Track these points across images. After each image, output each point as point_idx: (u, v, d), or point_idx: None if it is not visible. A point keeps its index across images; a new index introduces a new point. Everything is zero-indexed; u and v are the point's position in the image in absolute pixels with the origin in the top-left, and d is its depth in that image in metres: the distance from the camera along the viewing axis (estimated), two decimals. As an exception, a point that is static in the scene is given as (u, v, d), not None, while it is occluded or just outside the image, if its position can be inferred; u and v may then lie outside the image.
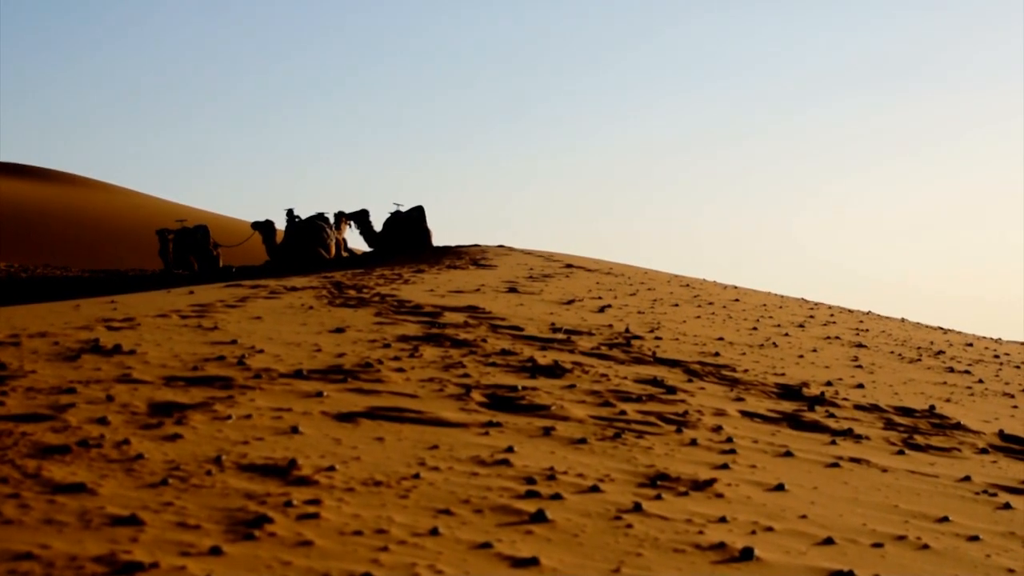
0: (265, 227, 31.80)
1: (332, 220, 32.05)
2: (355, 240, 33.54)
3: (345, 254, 32.04)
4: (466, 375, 7.85)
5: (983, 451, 7.46)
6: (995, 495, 6.07)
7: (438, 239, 32.04)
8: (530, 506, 4.56)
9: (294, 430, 5.55)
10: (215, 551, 3.63)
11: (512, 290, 15.78)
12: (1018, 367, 14.27)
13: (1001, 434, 8.16)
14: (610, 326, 12.01)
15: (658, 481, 5.30)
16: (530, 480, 5.02)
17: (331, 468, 4.83)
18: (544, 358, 8.94)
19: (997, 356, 15.46)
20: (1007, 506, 5.81)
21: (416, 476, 4.87)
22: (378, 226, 32.17)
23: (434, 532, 4.06)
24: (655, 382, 8.36)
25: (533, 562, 3.87)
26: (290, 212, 31.45)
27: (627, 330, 11.73)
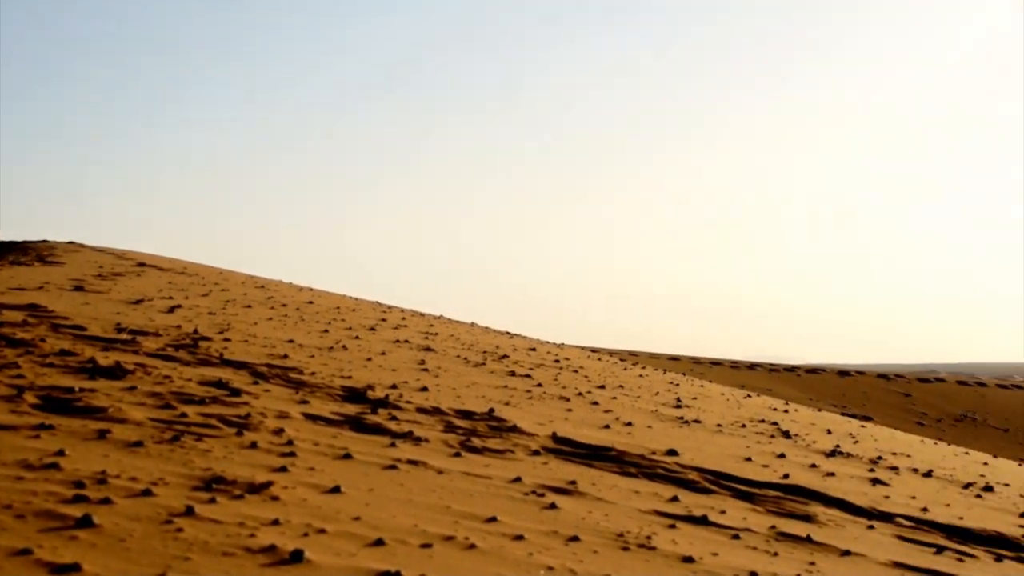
0: None
1: None
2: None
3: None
4: (20, 376, 7.52)
5: (536, 453, 7.79)
6: (543, 495, 6.35)
7: (3, 234, 30.46)
8: (76, 511, 4.42)
9: None
10: None
11: (78, 288, 15.19)
12: (576, 371, 15.01)
13: (554, 436, 8.55)
14: (179, 327, 11.77)
15: (213, 484, 5.24)
16: (79, 484, 4.87)
17: None
18: (106, 359, 8.67)
19: (557, 360, 16.20)
20: (553, 506, 6.09)
21: (-46, 482, 4.63)
22: (-65, 216, 30.29)
23: (-32, 540, 3.87)
24: (220, 384, 8.26)
25: (75, 568, 3.75)
26: None
27: (196, 331, 11.53)
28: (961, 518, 8.23)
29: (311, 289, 23.11)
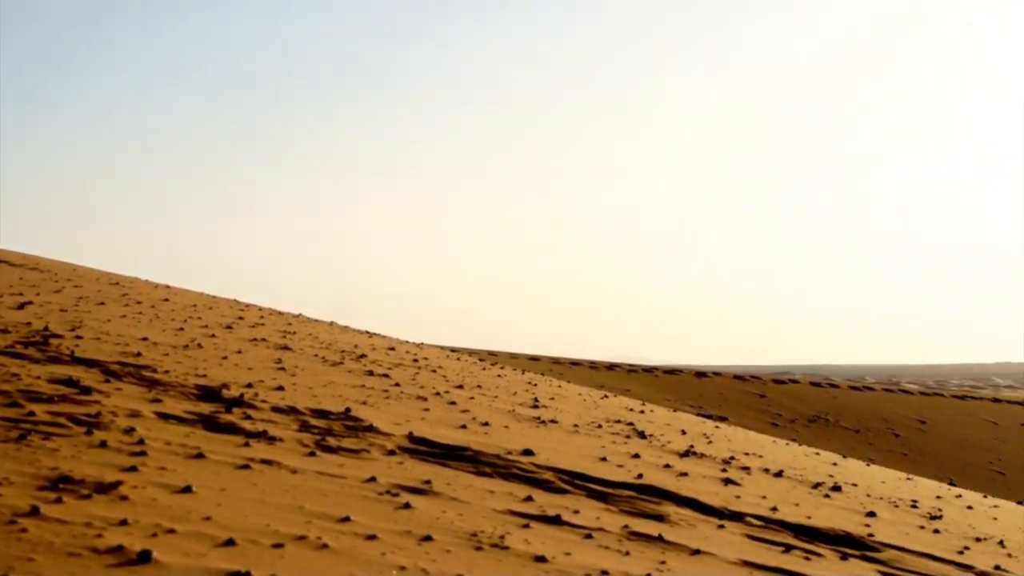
0: None
1: None
2: None
3: None
4: None
5: (391, 452, 7.78)
6: (397, 495, 6.35)
7: None
8: (-85, 512, 4.31)
9: None
10: None
11: (-77, 282, 14.77)
12: (434, 371, 15.01)
13: (410, 436, 8.54)
14: (28, 324, 11.51)
15: (60, 484, 5.15)
16: (-81, 484, 4.75)
17: None
18: (-49, 355, 8.45)
19: (416, 360, 16.18)
20: (407, 506, 6.10)
21: None
22: None
23: None
24: (70, 382, 8.10)
25: (-89, 571, 3.66)
26: None
27: (46, 328, 11.28)
28: (809, 517, 8.43)
29: (167, 287, 22.75)
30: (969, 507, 12.29)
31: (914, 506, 10.78)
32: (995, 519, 11.71)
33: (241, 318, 17.68)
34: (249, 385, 9.70)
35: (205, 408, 8.12)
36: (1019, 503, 15.58)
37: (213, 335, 13.91)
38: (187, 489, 5.48)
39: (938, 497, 12.64)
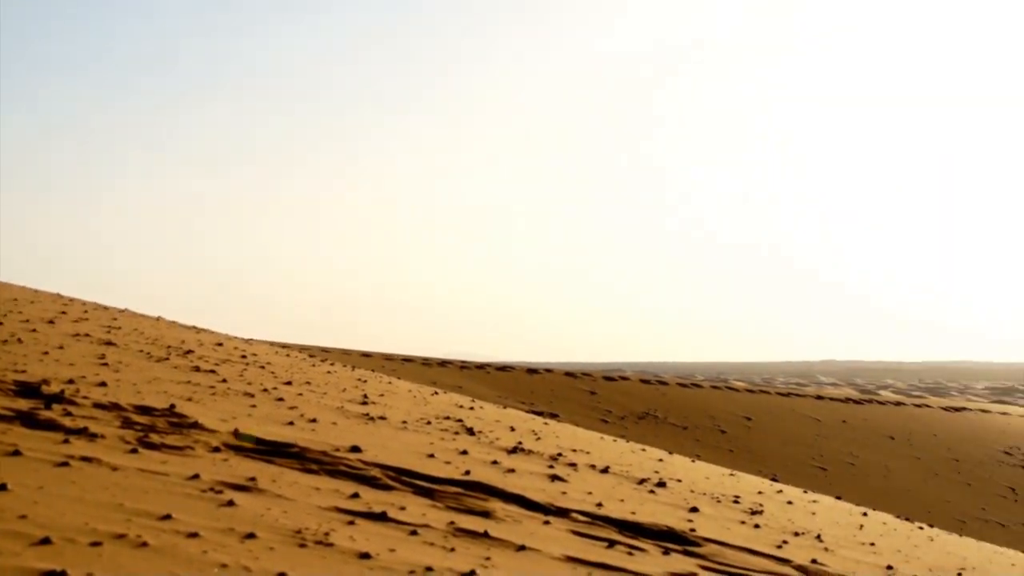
0: None
1: None
2: None
3: None
4: None
5: (216, 449, 7.69)
6: (221, 492, 6.27)
7: None
8: None
9: None
10: None
11: None
12: (263, 367, 14.86)
13: (236, 433, 8.45)
14: None
15: None
16: None
17: None
18: None
19: (245, 356, 16.00)
20: (231, 503, 6.03)
21: None
22: None
23: None
24: None
25: None
26: None
27: None
28: (634, 513, 8.57)
29: (-13, 280, 22.11)
30: (789, 502, 12.62)
31: (736, 502, 11.03)
32: (814, 514, 12.06)
33: (64, 312, 17.26)
34: (70, 381, 9.49)
35: (23, 404, 7.92)
36: (838, 498, 16.08)
37: (34, 330, 13.56)
38: (2, 487, 5.35)
39: (760, 492, 12.96)
